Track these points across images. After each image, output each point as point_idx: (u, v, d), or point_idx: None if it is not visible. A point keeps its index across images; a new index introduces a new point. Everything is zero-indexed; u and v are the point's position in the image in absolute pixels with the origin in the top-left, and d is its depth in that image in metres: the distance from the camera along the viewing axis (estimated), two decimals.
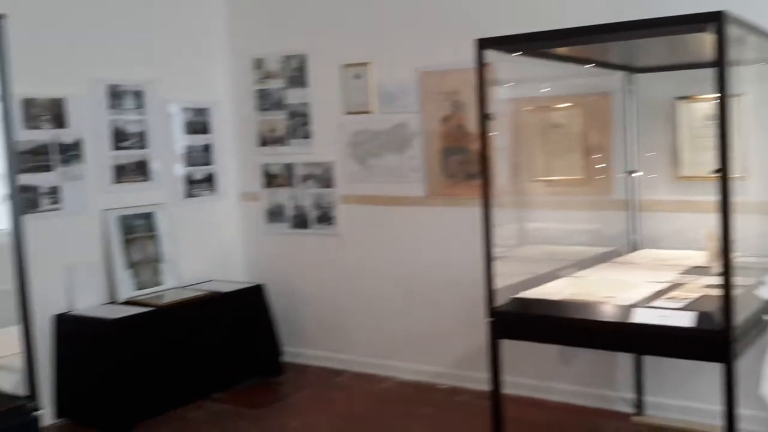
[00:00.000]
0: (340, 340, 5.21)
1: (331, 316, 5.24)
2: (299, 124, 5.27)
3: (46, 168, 4.39)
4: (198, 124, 5.32)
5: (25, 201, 4.09)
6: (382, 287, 5.02)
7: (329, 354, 5.24)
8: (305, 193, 5.28)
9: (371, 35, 4.93)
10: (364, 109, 4.99)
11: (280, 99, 5.31)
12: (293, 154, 5.30)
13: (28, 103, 4.29)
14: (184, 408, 4.51)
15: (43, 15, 4.35)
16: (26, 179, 4.19)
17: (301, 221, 5.32)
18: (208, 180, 5.39)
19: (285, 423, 4.34)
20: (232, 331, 4.89)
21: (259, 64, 5.37)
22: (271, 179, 5.42)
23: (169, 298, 4.73)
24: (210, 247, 5.37)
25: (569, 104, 4.28)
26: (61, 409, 4.40)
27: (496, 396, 2.98)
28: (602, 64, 3.84)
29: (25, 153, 4.24)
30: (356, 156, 5.06)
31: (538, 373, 4.42)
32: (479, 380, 4.45)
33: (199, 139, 5.33)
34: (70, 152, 4.52)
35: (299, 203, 5.32)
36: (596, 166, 4.24)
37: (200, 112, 5.33)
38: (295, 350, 5.33)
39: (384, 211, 4.97)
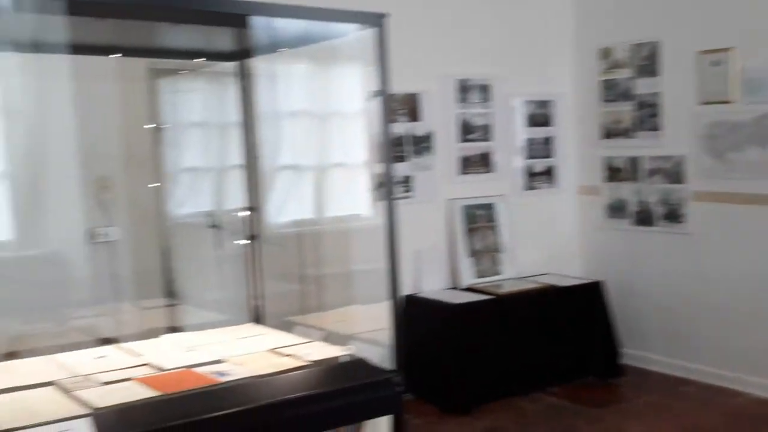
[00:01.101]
0: (686, 347, 4.85)
1: (677, 320, 4.90)
2: (647, 115, 4.99)
3: (401, 158, 4.71)
4: (539, 117, 5.32)
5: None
6: (737, 294, 4.57)
7: (673, 361, 4.91)
8: (651, 188, 4.99)
9: (735, 17, 4.49)
10: (722, 98, 4.57)
11: (628, 89, 5.08)
12: (640, 147, 5.04)
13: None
14: (519, 398, 4.55)
15: (402, 16, 4.63)
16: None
17: (645, 218, 5.05)
18: (548, 173, 5.36)
19: (624, 428, 4.15)
20: (568, 326, 4.81)
21: (606, 53, 5.19)
22: (613, 173, 5.22)
23: (508, 287, 4.80)
24: (547, 240, 5.34)
25: None
26: (406, 384, 4.68)
27: None
28: None
29: None
30: (712, 150, 4.65)
31: None
32: None
33: (540, 132, 5.32)
34: (422, 144, 4.80)
35: (643, 199, 5.05)
36: None
37: (542, 104, 5.32)
38: (634, 353, 5.08)
39: (744, 210, 4.51)
